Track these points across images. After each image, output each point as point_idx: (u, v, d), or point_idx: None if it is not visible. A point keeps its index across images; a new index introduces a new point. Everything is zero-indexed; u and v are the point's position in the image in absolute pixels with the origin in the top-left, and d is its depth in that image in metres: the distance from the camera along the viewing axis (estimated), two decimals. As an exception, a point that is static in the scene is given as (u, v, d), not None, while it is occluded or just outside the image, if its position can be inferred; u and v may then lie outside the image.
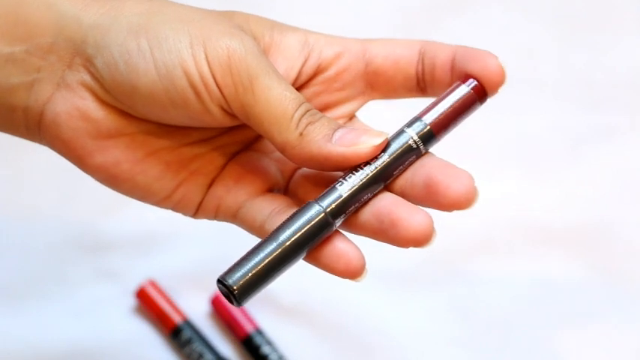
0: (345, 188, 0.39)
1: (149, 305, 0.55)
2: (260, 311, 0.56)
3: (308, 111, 0.39)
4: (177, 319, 0.54)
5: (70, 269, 0.57)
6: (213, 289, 0.56)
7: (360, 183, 0.39)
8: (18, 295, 0.56)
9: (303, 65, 0.42)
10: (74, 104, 0.40)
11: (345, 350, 0.55)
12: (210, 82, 0.39)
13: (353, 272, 0.41)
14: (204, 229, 0.58)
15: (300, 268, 0.57)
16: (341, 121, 0.43)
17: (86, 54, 0.40)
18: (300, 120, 0.39)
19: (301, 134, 0.39)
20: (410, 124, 0.39)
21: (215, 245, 0.58)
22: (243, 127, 0.41)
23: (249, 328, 0.54)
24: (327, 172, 0.41)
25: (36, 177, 0.59)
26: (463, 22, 0.63)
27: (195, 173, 0.42)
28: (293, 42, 0.42)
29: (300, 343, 0.55)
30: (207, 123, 0.40)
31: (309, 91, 0.43)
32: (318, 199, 0.39)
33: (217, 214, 0.42)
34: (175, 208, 0.43)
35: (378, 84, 0.43)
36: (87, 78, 0.40)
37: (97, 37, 0.40)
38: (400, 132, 0.39)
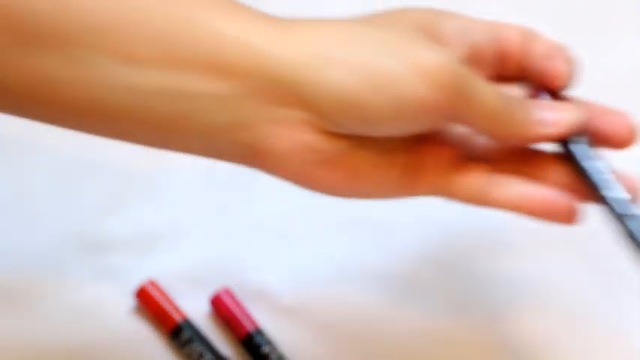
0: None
1: (149, 305, 0.55)
2: (260, 311, 0.56)
3: (512, 99, 0.44)
4: (177, 318, 0.54)
5: (70, 269, 0.57)
6: (213, 288, 0.56)
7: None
8: (17, 295, 0.56)
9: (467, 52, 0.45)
10: (298, 140, 0.42)
11: (345, 350, 0.55)
12: (429, 99, 0.42)
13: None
14: (205, 230, 0.58)
15: (300, 268, 0.58)
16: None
17: (301, 93, 0.42)
18: (510, 109, 0.44)
19: (516, 122, 0.44)
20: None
21: (215, 245, 0.58)
22: None
23: (249, 328, 0.54)
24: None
25: (36, 177, 0.59)
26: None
27: (420, 169, 0.45)
28: (450, 28, 0.45)
29: (300, 343, 0.55)
30: (425, 129, 0.44)
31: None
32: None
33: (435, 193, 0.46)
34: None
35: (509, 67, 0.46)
36: (305, 115, 0.42)
37: (310, 76, 0.41)
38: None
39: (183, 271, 0.57)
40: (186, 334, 0.54)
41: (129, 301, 0.56)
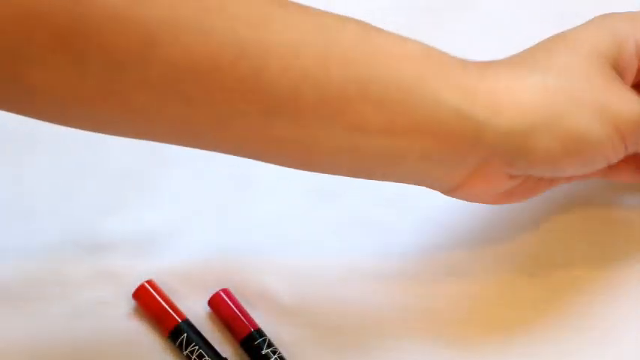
0: None
1: (148, 305, 0.55)
2: (260, 312, 0.56)
3: None
4: (176, 319, 0.54)
5: (69, 269, 0.57)
6: (212, 289, 0.56)
7: None
8: (16, 295, 0.56)
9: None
10: (492, 186, 0.49)
11: (345, 350, 0.55)
12: (620, 150, 0.49)
13: None
14: (204, 230, 0.58)
15: (300, 268, 0.58)
16: None
17: (508, 156, 0.47)
18: None
19: None
20: None
21: (214, 246, 0.58)
22: None
23: (248, 328, 0.54)
24: None
25: (36, 177, 0.59)
26: (465, 22, 0.63)
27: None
28: (630, 52, 0.50)
29: (300, 343, 0.55)
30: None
31: None
32: None
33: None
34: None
35: None
36: (506, 169, 0.48)
37: (518, 143, 0.46)
38: None
39: (183, 271, 0.57)
40: (185, 335, 0.54)
41: (128, 302, 0.56)
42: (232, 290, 0.56)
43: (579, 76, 0.47)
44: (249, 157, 0.47)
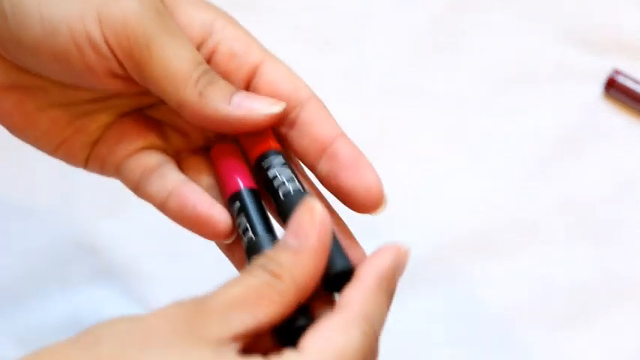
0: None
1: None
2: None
3: (207, 72, 0.40)
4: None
5: (70, 269, 0.57)
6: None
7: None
8: (17, 295, 0.56)
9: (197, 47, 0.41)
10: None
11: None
12: (99, 43, 0.39)
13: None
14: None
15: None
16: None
17: None
18: (199, 80, 0.39)
19: (201, 94, 0.39)
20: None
21: (216, 246, 0.58)
22: (137, 93, 0.41)
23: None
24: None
25: (36, 177, 0.59)
26: (466, 25, 0.63)
27: (80, 131, 0.42)
28: (197, 19, 0.42)
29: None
30: (94, 84, 0.40)
31: None
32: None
33: (102, 170, 0.43)
34: (65, 161, 0.43)
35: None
36: None
37: None
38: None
39: (182, 271, 0.57)
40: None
41: (128, 302, 0.56)
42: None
43: None
44: None
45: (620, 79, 0.60)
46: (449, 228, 0.58)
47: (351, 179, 0.39)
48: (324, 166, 0.40)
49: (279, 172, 0.41)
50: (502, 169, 0.59)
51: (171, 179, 0.41)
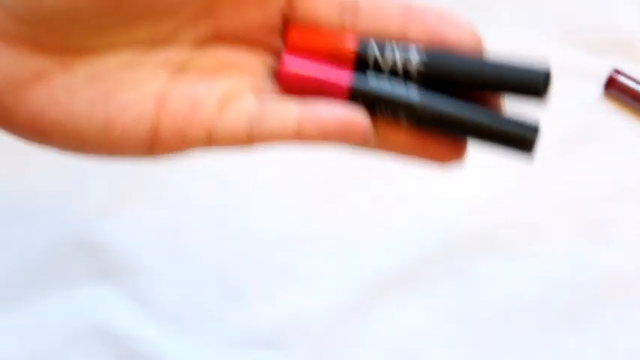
0: None
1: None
2: (260, 312, 0.56)
3: None
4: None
5: (70, 269, 0.57)
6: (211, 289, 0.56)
7: None
8: (17, 295, 0.56)
9: None
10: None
11: (345, 351, 0.55)
12: None
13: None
14: (206, 231, 0.58)
15: (299, 267, 0.58)
16: None
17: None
18: None
19: None
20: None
21: (216, 247, 0.58)
22: None
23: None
24: None
25: (36, 177, 0.59)
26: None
27: None
28: None
29: (300, 344, 0.55)
30: None
31: None
32: None
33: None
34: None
35: None
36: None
37: None
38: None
39: (182, 271, 0.57)
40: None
41: (129, 302, 0.56)
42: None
43: None
44: None
45: (620, 79, 0.60)
46: (449, 228, 0.58)
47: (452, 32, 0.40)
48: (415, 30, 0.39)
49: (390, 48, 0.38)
50: (502, 168, 0.59)
51: (288, 108, 0.36)
